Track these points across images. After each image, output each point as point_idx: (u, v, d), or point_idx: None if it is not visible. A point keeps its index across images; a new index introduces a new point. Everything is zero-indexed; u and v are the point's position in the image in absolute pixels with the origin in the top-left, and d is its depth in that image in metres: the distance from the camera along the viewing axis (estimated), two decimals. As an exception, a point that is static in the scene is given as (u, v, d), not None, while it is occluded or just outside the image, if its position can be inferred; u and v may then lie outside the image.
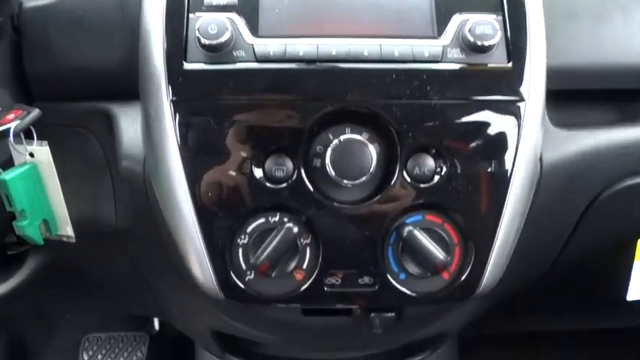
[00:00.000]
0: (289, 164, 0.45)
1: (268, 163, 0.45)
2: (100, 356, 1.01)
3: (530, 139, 0.47)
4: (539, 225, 0.51)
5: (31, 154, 0.46)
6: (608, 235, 0.58)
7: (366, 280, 0.46)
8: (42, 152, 0.47)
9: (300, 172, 0.45)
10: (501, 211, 0.47)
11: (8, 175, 0.45)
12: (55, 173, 0.47)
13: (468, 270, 0.47)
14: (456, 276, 0.47)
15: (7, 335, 1.11)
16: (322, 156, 0.44)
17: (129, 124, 0.49)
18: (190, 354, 1.01)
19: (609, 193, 0.53)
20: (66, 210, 0.49)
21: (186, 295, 0.53)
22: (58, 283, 0.59)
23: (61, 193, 0.48)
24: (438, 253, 0.46)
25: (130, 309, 0.81)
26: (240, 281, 0.46)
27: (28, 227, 0.47)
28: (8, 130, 0.44)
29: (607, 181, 0.53)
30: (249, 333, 0.59)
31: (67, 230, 0.49)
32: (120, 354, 1.02)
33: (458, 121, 0.45)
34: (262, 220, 0.45)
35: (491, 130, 0.46)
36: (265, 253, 0.44)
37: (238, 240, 0.45)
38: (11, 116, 0.46)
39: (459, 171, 0.45)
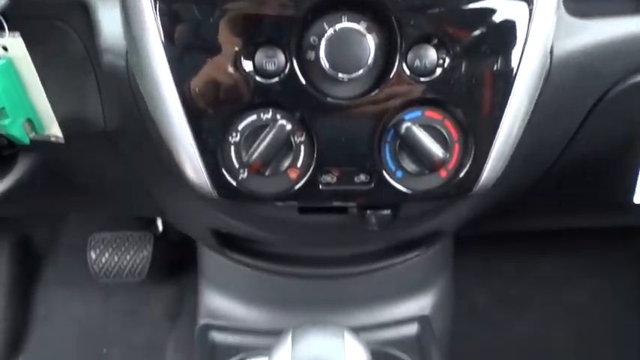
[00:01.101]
0: (281, 57, 0.42)
1: (258, 56, 0.42)
2: (107, 254, 1.05)
3: (541, 28, 0.43)
4: (543, 123, 0.49)
5: (5, 48, 0.44)
6: (613, 136, 0.56)
7: (362, 177, 0.46)
8: (16, 45, 0.44)
9: (293, 65, 0.42)
10: (504, 107, 0.45)
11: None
12: (34, 69, 0.45)
13: (466, 168, 0.46)
14: (453, 174, 0.46)
15: (15, 235, 1.14)
16: (316, 47, 0.41)
17: (108, 15, 0.45)
18: (194, 251, 1.04)
19: (618, 90, 0.51)
20: (50, 108, 0.47)
21: (182, 195, 0.53)
22: (52, 186, 0.59)
23: (42, 90, 0.46)
24: (437, 150, 0.44)
25: (130, 210, 0.82)
26: (234, 180, 0.45)
27: (11, 126, 0.45)
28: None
29: (617, 77, 0.50)
30: (247, 231, 0.60)
31: (54, 129, 0.48)
32: (126, 252, 1.05)
33: (463, 7, 0.42)
34: (254, 117, 0.44)
35: (499, 18, 0.42)
36: (258, 151, 0.43)
37: (230, 138, 0.44)
38: (-22, 7, 0.42)
39: (462, 63, 0.43)
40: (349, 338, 0.39)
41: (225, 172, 0.44)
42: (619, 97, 0.51)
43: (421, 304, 0.75)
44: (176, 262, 1.13)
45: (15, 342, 1.04)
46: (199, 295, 0.74)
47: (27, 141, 0.47)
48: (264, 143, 0.43)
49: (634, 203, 0.63)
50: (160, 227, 1.11)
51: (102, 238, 1.06)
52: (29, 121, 0.46)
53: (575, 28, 0.47)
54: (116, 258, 1.05)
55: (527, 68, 0.44)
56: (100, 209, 0.86)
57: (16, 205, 0.59)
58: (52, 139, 0.48)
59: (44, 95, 0.46)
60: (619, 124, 0.54)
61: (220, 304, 0.72)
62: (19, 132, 0.46)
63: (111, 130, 0.50)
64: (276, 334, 0.72)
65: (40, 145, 0.50)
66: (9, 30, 0.43)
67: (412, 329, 0.72)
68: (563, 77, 0.48)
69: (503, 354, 1.06)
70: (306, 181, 0.45)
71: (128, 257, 1.05)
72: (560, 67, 0.47)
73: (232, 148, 0.44)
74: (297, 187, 0.45)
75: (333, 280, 0.71)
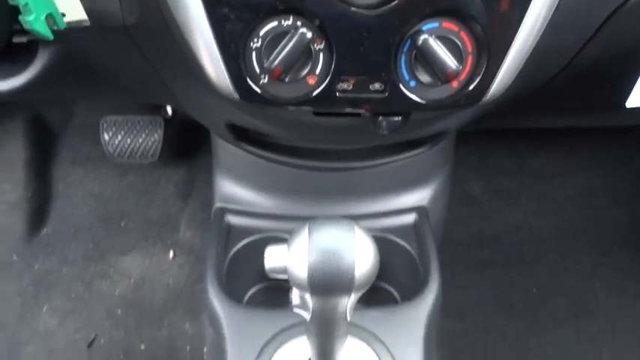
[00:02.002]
0: None
1: None
2: (119, 136, 1.08)
3: None
4: (558, 31, 0.49)
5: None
6: (625, 43, 0.56)
7: (377, 86, 0.47)
8: None
9: None
10: (522, 19, 0.45)
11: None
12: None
13: (478, 79, 0.47)
14: (464, 85, 0.48)
15: (28, 115, 1.17)
16: None
17: None
18: (203, 136, 1.07)
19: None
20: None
21: (201, 92, 0.55)
22: (71, 76, 0.60)
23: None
24: (451, 62, 0.45)
25: (145, 98, 0.84)
26: (255, 84, 0.47)
27: (36, 22, 0.45)
28: None
29: None
30: (262, 127, 0.62)
31: (80, 14, 0.48)
32: (138, 135, 1.09)
33: None
34: (275, 23, 0.44)
35: None
36: (279, 58, 0.44)
37: (251, 43, 0.45)
38: None
39: None
40: (358, 231, 0.44)
41: (247, 77, 0.46)
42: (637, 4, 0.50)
43: (420, 195, 0.80)
44: (186, 145, 1.18)
45: (39, 214, 1.12)
46: (214, 181, 0.78)
47: (51, 37, 0.47)
48: (285, 50, 0.44)
49: (626, 107, 0.65)
50: (170, 112, 1.14)
51: (113, 120, 1.09)
52: (50, 15, 0.47)
53: None
54: (129, 140, 1.08)
55: None
56: (116, 97, 0.88)
57: (33, 94, 0.60)
58: (76, 25, 0.49)
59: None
60: (632, 32, 0.55)
61: (234, 190, 0.77)
62: (42, 27, 0.46)
63: (130, 24, 0.50)
64: (286, 219, 0.78)
65: (61, 39, 0.51)
66: None
67: (410, 218, 0.77)
68: None
69: (494, 241, 1.15)
70: (323, 88, 0.47)
71: (140, 140, 1.09)
72: None
73: (254, 53, 0.45)
74: (314, 93, 0.47)
75: (340, 172, 0.75)
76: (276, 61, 0.44)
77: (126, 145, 1.08)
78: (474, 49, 0.46)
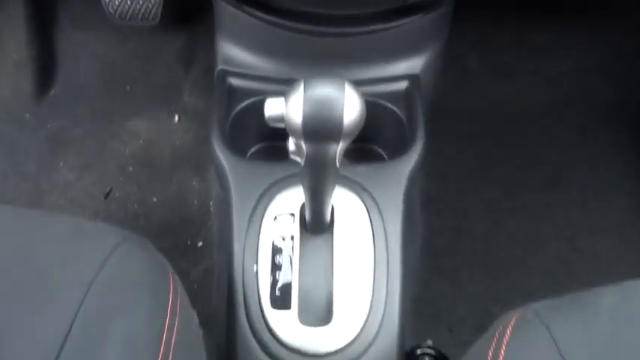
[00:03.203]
0: None
1: None
2: (120, -2, 1.07)
3: None
4: None
5: None
6: None
7: None
8: None
9: None
10: None
11: None
12: None
13: None
14: None
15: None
16: None
17: None
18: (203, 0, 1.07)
19: None
20: None
21: None
22: None
23: None
24: None
25: None
26: None
27: None
28: None
29: None
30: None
31: None
32: (139, -3, 1.08)
33: None
34: None
35: None
36: None
37: None
38: None
39: None
40: (348, 87, 0.49)
41: None
42: None
43: (413, 63, 0.83)
44: (185, 8, 1.17)
45: (46, 75, 1.15)
46: (216, 43, 0.81)
47: None
48: None
49: None
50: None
51: (113, -19, 1.08)
52: None
53: None
54: (129, 1, 1.08)
55: None
56: None
57: None
58: None
59: None
60: None
61: (235, 52, 0.80)
62: None
63: None
64: (286, 82, 0.82)
65: None
66: None
67: (402, 85, 0.82)
68: None
69: (485, 114, 1.19)
70: None
71: (141, 1, 1.08)
72: None
73: None
74: None
75: (337, 37, 0.78)
76: None
77: (126, 6, 1.08)
78: None
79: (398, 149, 0.77)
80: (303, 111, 0.49)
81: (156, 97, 1.17)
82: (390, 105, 0.80)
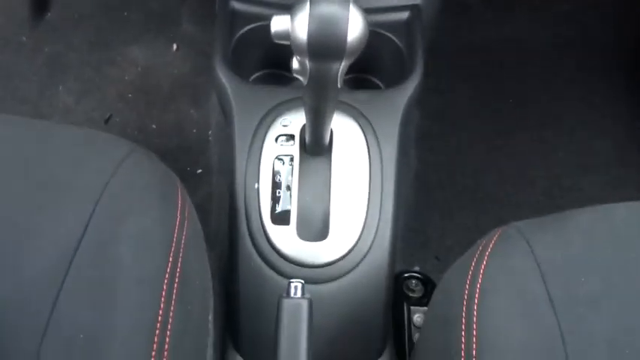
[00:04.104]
0: None
1: None
2: None
3: None
4: None
5: None
6: None
7: None
8: None
9: None
10: None
11: None
12: None
13: None
14: None
15: None
16: None
17: None
18: None
19: None
20: None
21: None
22: None
23: None
24: None
25: None
26: None
27: None
28: None
29: None
30: None
31: None
32: None
33: None
34: None
35: None
36: None
37: None
38: None
39: None
40: (352, 7, 0.49)
41: None
42: None
43: None
44: None
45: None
46: None
47: None
48: None
49: None
50: None
51: None
52: None
53: None
54: None
55: None
56: None
57: None
58: None
59: None
60: None
61: None
62: None
63: None
64: (287, 8, 0.82)
65: None
66: None
67: (403, 15, 0.82)
68: None
69: (483, 51, 1.20)
70: None
71: None
72: None
73: None
74: None
75: None
76: None
77: None
78: None
79: (395, 80, 0.78)
80: (309, 28, 0.50)
81: (154, 25, 1.16)
82: (389, 34, 0.80)
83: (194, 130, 1.06)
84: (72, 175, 0.49)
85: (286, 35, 0.52)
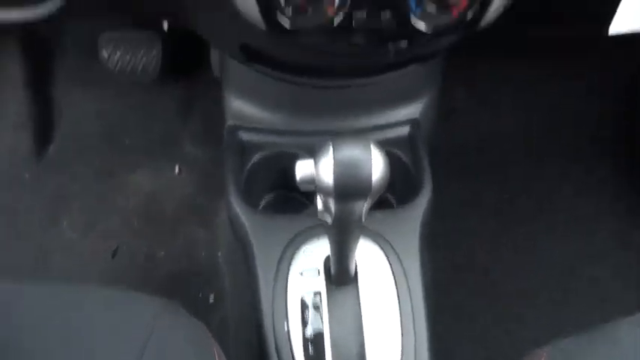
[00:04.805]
0: None
1: None
2: (118, 53, 1.10)
3: None
4: None
5: None
6: None
7: (388, 15, 0.53)
8: None
9: None
10: None
11: None
12: None
13: (474, 8, 0.53)
14: (463, 13, 0.54)
15: (22, 32, 1.16)
16: None
17: None
18: (201, 52, 1.10)
19: None
20: None
21: (222, 17, 0.58)
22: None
23: None
24: None
25: (154, 9, 0.84)
26: (282, 16, 0.51)
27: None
28: None
29: None
30: (275, 51, 0.67)
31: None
32: (137, 51, 1.11)
33: None
34: None
35: None
36: None
37: None
38: None
39: None
40: (374, 147, 0.51)
41: (276, 9, 0.51)
42: None
43: (413, 109, 0.87)
44: (184, 61, 1.20)
45: (44, 133, 1.16)
46: (224, 99, 0.83)
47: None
48: None
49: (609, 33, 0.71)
50: (166, 27, 1.14)
51: (111, 37, 1.10)
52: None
53: None
54: (128, 57, 1.10)
55: None
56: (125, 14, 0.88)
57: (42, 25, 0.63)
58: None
59: None
60: None
61: (243, 107, 0.82)
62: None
63: None
64: (293, 134, 0.85)
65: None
66: None
67: (405, 130, 0.85)
68: None
69: (475, 148, 1.23)
70: (342, 19, 0.52)
71: (139, 56, 1.11)
72: None
73: None
74: (335, 22, 0.52)
75: (342, 89, 0.81)
76: None
77: (126, 62, 1.10)
78: None
79: (405, 194, 0.79)
80: (334, 172, 0.51)
81: (155, 150, 1.18)
82: (395, 151, 0.83)
83: (203, 253, 1.05)
84: (109, 344, 0.48)
85: (312, 180, 0.53)
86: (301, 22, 0.51)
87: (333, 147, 0.51)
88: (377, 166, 0.51)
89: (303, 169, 0.53)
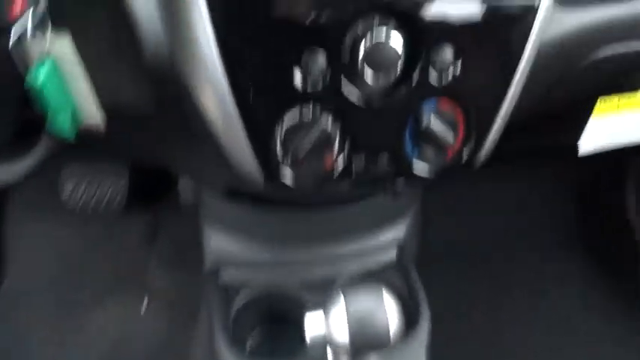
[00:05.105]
0: (323, 59, 0.45)
1: (304, 58, 0.45)
2: (82, 187, 1.05)
3: (541, 23, 0.50)
4: (525, 98, 0.57)
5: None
6: (579, 96, 0.65)
7: (385, 161, 0.52)
8: (60, 43, 0.43)
9: (335, 66, 0.46)
10: (505, 96, 0.52)
11: (39, 80, 0.42)
12: (76, 63, 0.45)
13: (468, 149, 0.54)
14: (457, 154, 0.54)
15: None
16: (355, 49, 0.45)
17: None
18: (169, 182, 1.07)
19: (589, 61, 0.59)
20: (90, 99, 0.48)
21: (219, 170, 0.57)
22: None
23: (82, 82, 0.46)
24: (448, 135, 0.51)
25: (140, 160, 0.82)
26: (281, 171, 0.50)
27: (63, 124, 0.46)
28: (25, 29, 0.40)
29: (588, 53, 0.58)
30: (263, 192, 0.65)
31: (95, 119, 0.49)
32: (104, 183, 1.06)
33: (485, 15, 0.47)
34: (297, 113, 0.48)
35: (511, 21, 0.48)
36: (303, 148, 0.48)
37: (276, 133, 0.48)
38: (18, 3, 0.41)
39: (477, 61, 0.49)
40: (386, 295, 0.49)
41: (275, 164, 0.49)
42: (593, 66, 0.59)
43: (397, 231, 0.86)
44: (150, 191, 1.16)
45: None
46: (205, 237, 0.79)
47: (73, 136, 0.48)
48: (308, 140, 0.48)
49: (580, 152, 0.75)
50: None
51: (74, 171, 1.06)
52: (72, 115, 0.47)
53: (560, 17, 0.54)
54: (93, 190, 1.06)
55: (526, 60, 0.51)
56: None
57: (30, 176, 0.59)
58: (93, 128, 0.50)
59: (84, 87, 0.47)
60: (589, 85, 0.63)
61: (224, 245, 0.78)
62: (67, 128, 0.47)
63: (147, 113, 0.51)
64: (277, 265, 0.81)
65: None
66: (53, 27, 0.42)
67: (392, 254, 0.83)
68: (544, 61, 0.55)
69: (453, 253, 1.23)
70: (342, 169, 0.51)
71: (105, 188, 1.06)
72: (543, 53, 0.54)
73: (279, 142, 0.48)
74: (334, 174, 0.51)
75: (327, 214, 0.80)
76: (302, 150, 0.48)
77: (90, 196, 1.06)
78: (464, 121, 0.52)
79: (402, 323, 0.76)
80: (349, 329, 0.48)
81: (120, 281, 1.10)
82: (387, 279, 0.80)
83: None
84: None
85: (324, 338, 0.49)
86: (299, 175, 0.50)
87: (344, 299, 0.48)
88: (393, 316, 0.48)
89: (314, 324, 0.49)
